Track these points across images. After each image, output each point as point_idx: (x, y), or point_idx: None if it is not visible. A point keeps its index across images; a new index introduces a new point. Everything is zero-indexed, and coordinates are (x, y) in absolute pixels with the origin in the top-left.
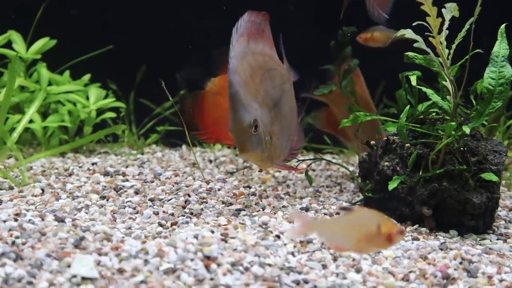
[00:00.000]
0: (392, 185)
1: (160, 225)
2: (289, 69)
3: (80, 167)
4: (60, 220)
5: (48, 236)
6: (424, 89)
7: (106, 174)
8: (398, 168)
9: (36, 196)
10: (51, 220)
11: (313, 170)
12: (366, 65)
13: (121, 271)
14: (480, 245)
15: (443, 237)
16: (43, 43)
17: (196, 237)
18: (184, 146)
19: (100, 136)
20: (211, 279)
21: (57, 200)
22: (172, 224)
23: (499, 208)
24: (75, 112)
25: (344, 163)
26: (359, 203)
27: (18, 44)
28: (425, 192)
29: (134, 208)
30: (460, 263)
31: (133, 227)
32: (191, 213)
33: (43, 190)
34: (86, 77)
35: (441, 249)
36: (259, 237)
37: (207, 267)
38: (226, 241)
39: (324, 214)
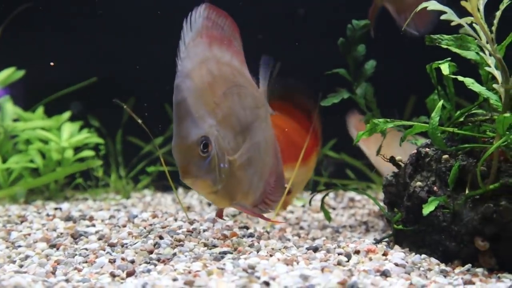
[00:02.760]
0: (427, 209)
1: (112, 275)
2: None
3: (39, 213)
4: None
5: None
6: (461, 78)
7: (68, 219)
8: (435, 188)
9: None
10: None
11: (333, 209)
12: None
13: None
14: None
15: (511, 279)
16: (7, 74)
17: (144, 286)
18: (181, 189)
19: (59, 176)
20: None
21: None
22: (128, 274)
23: None
24: (47, 152)
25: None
26: (386, 239)
27: None
28: (476, 217)
29: (86, 256)
30: None
31: (73, 279)
32: (158, 259)
33: None
34: (66, 115)
35: None
36: (238, 285)
37: None
38: None
39: (338, 254)
